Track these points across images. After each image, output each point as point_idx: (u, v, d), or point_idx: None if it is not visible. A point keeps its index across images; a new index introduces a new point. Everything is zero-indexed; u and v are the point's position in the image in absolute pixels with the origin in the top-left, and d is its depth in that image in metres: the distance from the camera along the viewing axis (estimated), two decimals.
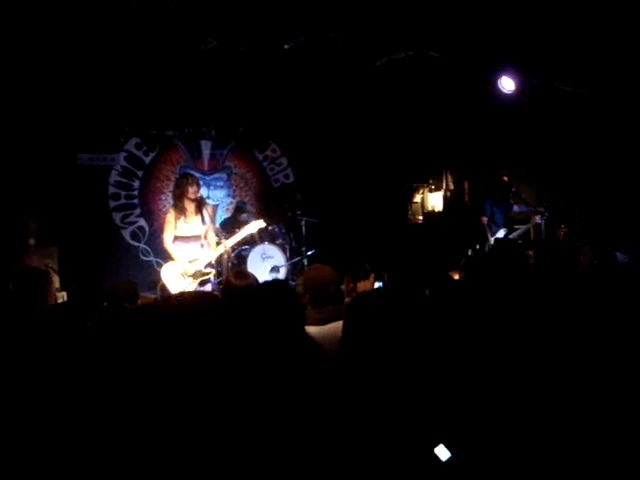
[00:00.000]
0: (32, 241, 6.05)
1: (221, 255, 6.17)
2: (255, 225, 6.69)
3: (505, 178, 8.66)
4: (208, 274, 6.21)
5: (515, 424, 2.11)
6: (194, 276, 6.10)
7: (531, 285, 2.92)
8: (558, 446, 2.03)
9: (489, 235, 7.95)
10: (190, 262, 6.13)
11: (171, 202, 6.75)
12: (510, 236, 7.95)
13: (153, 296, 6.57)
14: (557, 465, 2.01)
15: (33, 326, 2.35)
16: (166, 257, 6.48)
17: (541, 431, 2.08)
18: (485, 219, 8.08)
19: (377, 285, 4.47)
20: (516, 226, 8.32)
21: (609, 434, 2.04)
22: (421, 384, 2.08)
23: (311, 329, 3.00)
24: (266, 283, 2.85)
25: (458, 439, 2.00)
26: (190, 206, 6.16)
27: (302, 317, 2.56)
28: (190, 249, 6.18)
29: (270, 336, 2.40)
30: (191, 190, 6.11)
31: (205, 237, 6.20)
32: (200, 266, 6.14)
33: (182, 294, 3.07)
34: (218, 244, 6.23)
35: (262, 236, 7.81)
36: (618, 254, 4.84)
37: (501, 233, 8.02)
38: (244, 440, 2.00)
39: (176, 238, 6.16)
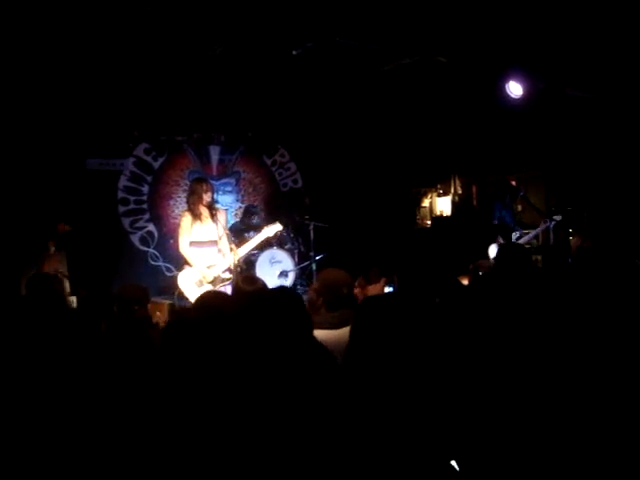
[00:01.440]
0: (52, 248, 6.03)
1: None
2: (273, 229, 6.57)
3: (513, 182, 8.66)
4: (228, 280, 6.12)
5: (527, 432, 2.11)
6: (213, 282, 6.02)
7: (539, 290, 2.92)
8: (566, 449, 2.03)
9: (500, 238, 7.96)
10: (208, 268, 6.07)
11: (180, 207, 6.77)
12: (520, 241, 7.95)
13: (168, 302, 6.54)
14: (563, 469, 2.01)
15: (50, 331, 2.38)
16: (176, 262, 6.46)
17: (556, 437, 2.08)
18: (495, 223, 8.09)
19: (387, 289, 4.47)
20: (525, 230, 8.33)
21: (620, 440, 2.05)
22: (428, 391, 2.08)
23: (324, 333, 2.99)
24: (271, 290, 2.86)
25: (467, 445, 2.01)
26: (205, 211, 6.15)
27: (309, 324, 2.56)
28: (206, 254, 6.11)
29: (275, 343, 2.40)
30: (205, 197, 6.11)
31: (221, 242, 6.19)
32: (218, 272, 6.08)
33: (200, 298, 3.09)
34: (230, 250, 6.19)
35: (270, 241, 7.81)
36: None
37: (514, 236, 8.02)
38: (248, 443, 2.02)
39: (191, 243, 6.11)
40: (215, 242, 6.17)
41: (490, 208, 8.39)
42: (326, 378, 2.29)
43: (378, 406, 1.98)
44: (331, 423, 2.00)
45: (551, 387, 2.25)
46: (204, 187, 6.15)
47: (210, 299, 2.91)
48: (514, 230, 8.10)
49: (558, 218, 7.82)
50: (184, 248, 6.09)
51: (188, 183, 8.76)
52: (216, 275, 6.05)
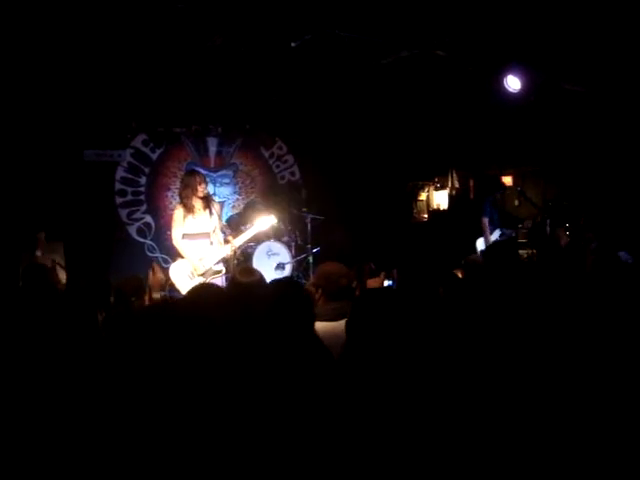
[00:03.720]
0: (39, 252, 6.04)
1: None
2: (267, 221, 6.62)
3: (508, 179, 8.74)
4: (219, 272, 6.15)
5: (523, 426, 2.13)
6: (205, 274, 6.05)
7: (527, 284, 2.94)
8: (559, 445, 2.05)
9: (489, 236, 8.03)
10: (200, 260, 6.09)
11: (177, 199, 6.75)
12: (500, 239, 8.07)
13: (162, 293, 6.56)
14: (558, 465, 2.03)
15: (44, 321, 2.38)
16: (172, 254, 6.48)
17: (554, 427, 2.10)
18: (486, 220, 8.14)
19: (387, 283, 4.49)
20: (520, 225, 8.40)
21: (609, 433, 2.06)
22: (427, 384, 2.10)
23: (321, 325, 3.00)
24: (277, 281, 2.85)
25: (462, 438, 2.02)
26: (198, 203, 6.15)
27: (312, 316, 2.57)
28: (199, 246, 6.13)
29: (279, 334, 2.41)
30: (200, 188, 6.09)
31: (214, 234, 6.20)
32: (210, 264, 6.10)
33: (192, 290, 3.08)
34: (226, 241, 6.20)
35: (267, 233, 7.81)
36: (622, 254, 4.86)
37: (496, 235, 8.09)
38: (245, 437, 2.03)
39: (184, 236, 6.12)
40: (208, 234, 6.17)
41: (481, 203, 8.45)
42: (323, 371, 2.30)
43: (377, 398, 1.99)
44: (328, 416, 2.01)
45: (548, 377, 2.27)
46: (197, 179, 6.13)
47: (201, 292, 2.91)
48: (498, 229, 8.18)
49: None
50: (176, 240, 6.11)
51: None
52: (207, 267, 6.07)
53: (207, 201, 6.19)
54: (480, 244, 8.12)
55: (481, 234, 8.16)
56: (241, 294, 3.21)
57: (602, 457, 2.01)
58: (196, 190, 6.09)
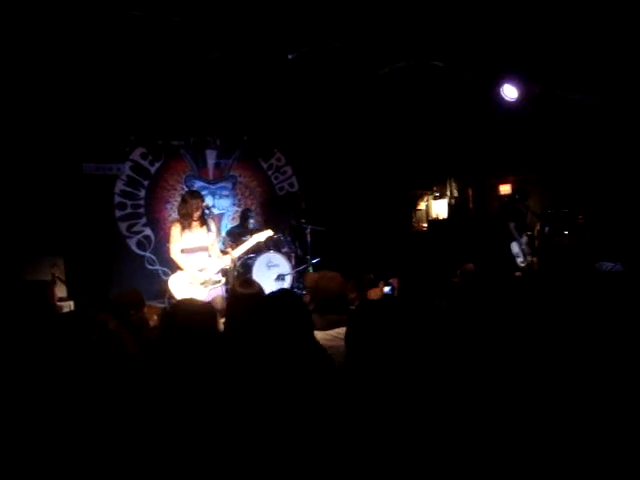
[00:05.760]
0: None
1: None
2: (264, 234, 6.74)
3: (507, 188, 8.75)
4: (219, 282, 6.21)
5: (527, 429, 2.13)
6: (204, 284, 6.09)
7: (524, 293, 2.95)
8: (560, 449, 2.05)
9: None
10: (200, 271, 6.12)
11: (176, 212, 6.79)
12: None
13: (161, 305, 6.57)
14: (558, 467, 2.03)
15: (39, 336, 2.38)
16: (172, 266, 6.49)
17: (554, 434, 2.10)
18: (512, 225, 8.14)
19: (386, 289, 4.49)
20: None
21: (607, 437, 2.06)
22: (427, 392, 2.10)
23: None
24: (274, 293, 2.86)
25: (462, 446, 2.02)
26: (195, 221, 6.20)
27: (310, 325, 2.57)
28: (198, 259, 6.17)
29: (278, 344, 2.42)
30: (196, 214, 6.12)
31: (212, 247, 6.23)
32: (210, 274, 6.14)
33: (182, 303, 3.07)
34: (225, 253, 6.23)
35: (267, 244, 7.84)
36: (608, 264, 4.86)
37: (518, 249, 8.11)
38: (248, 445, 2.02)
39: (182, 251, 6.15)
40: (206, 247, 6.21)
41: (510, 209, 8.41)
42: (325, 379, 2.30)
43: (378, 407, 1.99)
44: (330, 424, 2.01)
45: (547, 384, 2.27)
46: (195, 204, 6.13)
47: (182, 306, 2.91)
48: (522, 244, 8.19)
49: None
50: (175, 253, 6.16)
51: (185, 187, 8.80)
52: (207, 278, 6.11)
53: (204, 219, 6.23)
54: (514, 247, 8.16)
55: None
56: (240, 305, 3.22)
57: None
58: (192, 214, 6.12)
